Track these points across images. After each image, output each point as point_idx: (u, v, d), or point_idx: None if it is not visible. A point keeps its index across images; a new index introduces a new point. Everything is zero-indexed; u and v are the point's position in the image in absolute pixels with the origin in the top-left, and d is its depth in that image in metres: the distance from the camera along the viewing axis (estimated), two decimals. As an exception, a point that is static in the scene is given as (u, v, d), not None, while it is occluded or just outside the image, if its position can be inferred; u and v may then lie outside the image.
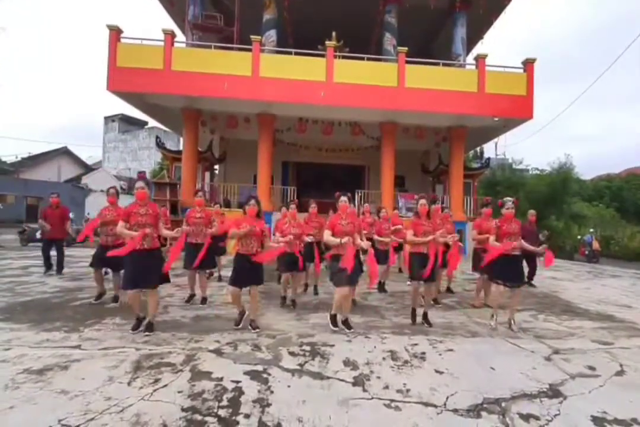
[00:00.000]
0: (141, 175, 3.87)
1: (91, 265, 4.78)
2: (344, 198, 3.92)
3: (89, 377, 2.58)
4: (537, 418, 2.26)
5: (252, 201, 3.88)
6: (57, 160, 26.95)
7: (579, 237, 16.02)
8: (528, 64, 11.33)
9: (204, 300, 4.83)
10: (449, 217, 5.79)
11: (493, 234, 4.17)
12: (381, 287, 5.95)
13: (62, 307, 4.47)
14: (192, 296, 4.91)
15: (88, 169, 29.39)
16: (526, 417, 2.27)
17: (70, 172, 27.11)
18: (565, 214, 17.85)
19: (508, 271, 4.05)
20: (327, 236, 3.78)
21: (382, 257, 5.39)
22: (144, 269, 3.48)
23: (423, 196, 4.26)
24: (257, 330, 3.72)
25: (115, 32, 10.56)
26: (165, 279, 3.72)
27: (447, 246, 5.13)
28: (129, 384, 2.52)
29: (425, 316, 4.18)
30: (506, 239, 4.10)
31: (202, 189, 4.65)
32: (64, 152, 28.09)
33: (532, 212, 7.44)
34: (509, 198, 4.44)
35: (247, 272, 3.70)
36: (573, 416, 2.31)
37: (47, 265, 6.77)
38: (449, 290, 6.10)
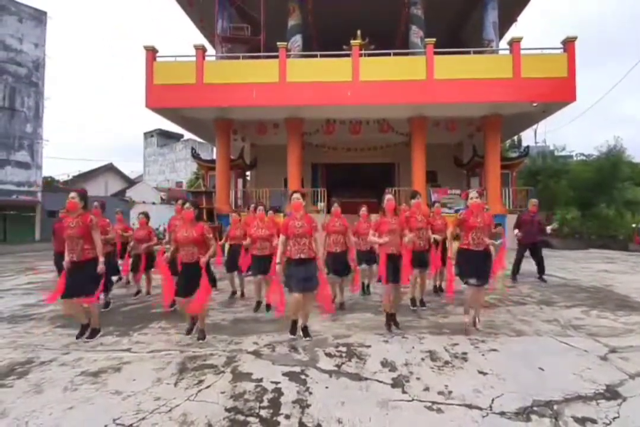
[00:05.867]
0: (80, 190, 3.90)
1: None
2: (296, 195, 3.59)
3: (140, 379, 2.74)
4: (594, 421, 2.12)
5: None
6: (103, 176, 28.80)
7: (633, 225, 14.77)
8: (568, 43, 10.66)
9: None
10: (440, 212, 5.42)
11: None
12: (366, 289, 5.59)
13: (112, 313, 4.77)
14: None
15: (131, 182, 31.12)
16: (582, 421, 2.13)
17: (115, 187, 28.83)
18: (617, 200, 16.48)
19: (470, 267, 3.65)
20: (280, 239, 3.61)
21: (363, 257, 5.01)
22: (74, 281, 3.52)
23: (389, 191, 3.93)
24: (203, 340, 3.53)
25: (152, 52, 11.19)
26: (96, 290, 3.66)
27: (437, 243, 4.88)
28: (175, 385, 2.64)
29: (393, 317, 3.87)
30: (472, 233, 3.67)
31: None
32: (110, 168, 29.95)
33: (533, 201, 6.80)
34: (472, 189, 4.10)
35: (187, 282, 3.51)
36: (634, 418, 2.14)
37: None
38: (439, 289, 5.59)
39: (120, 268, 5.64)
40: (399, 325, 3.88)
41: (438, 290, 5.59)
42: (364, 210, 5.29)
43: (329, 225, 4.67)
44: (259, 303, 4.75)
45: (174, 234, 3.70)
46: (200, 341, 3.53)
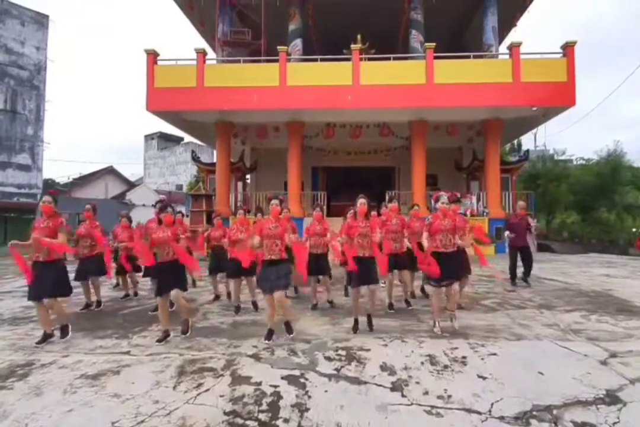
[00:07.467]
0: (52, 191, 3.93)
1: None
2: (274, 201, 3.84)
3: (138, 382, 2.73)
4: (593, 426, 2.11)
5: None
6: (104, 179, 28.86)
7: (633, 229, 14.81)
8: (568, 48, 10.75)
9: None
10: (418, 215, 5.41)
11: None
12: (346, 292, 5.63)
13: (112, 315, 4.77)
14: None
15: (131, 185, 31.14)
16: (581, 426, 2.12)
17: (116, 189, 28.86)
18: (617, 205, 16.53)
19: (440, 268, 3.72)
20: (254, 237, 3.73)
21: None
22: (38, 281, 3.51)
23: (362, 196, 4.01)
24: (186, 334, 3.70)
25: (152, 55, 11.25)
26: (63, 290, 3.73)
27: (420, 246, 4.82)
28: (174, 388, 2.64)
29: (368, 317, 3.97)
30: (439, 236, 3.84)
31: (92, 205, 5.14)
32: (110, 171, 30.01)
33: (521, 204, 6.73)
34: (443, 193, 4.20)
35: (164, 279, 3.67)
36: (634, 423, 2.14)
37: None
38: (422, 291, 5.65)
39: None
40: (372, 328, 3.92)
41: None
42: (351, 212, 5.36)
43: (309, 228, 4.93)
44: (238, 307, 4.80)
45: (150, 236, 3.75)
46: (183, 335, 3.67)
